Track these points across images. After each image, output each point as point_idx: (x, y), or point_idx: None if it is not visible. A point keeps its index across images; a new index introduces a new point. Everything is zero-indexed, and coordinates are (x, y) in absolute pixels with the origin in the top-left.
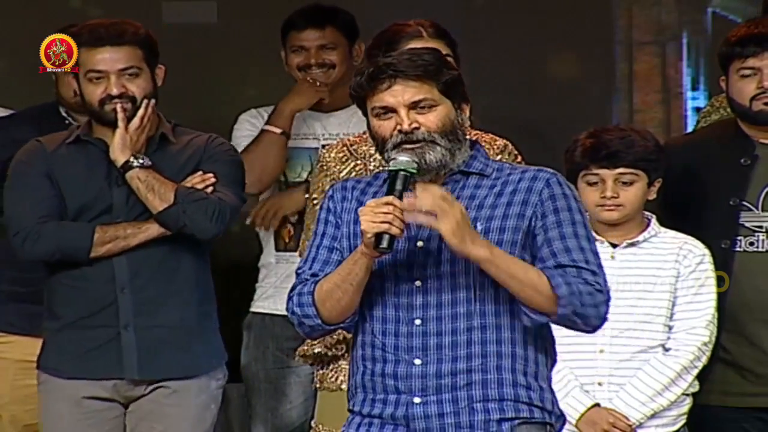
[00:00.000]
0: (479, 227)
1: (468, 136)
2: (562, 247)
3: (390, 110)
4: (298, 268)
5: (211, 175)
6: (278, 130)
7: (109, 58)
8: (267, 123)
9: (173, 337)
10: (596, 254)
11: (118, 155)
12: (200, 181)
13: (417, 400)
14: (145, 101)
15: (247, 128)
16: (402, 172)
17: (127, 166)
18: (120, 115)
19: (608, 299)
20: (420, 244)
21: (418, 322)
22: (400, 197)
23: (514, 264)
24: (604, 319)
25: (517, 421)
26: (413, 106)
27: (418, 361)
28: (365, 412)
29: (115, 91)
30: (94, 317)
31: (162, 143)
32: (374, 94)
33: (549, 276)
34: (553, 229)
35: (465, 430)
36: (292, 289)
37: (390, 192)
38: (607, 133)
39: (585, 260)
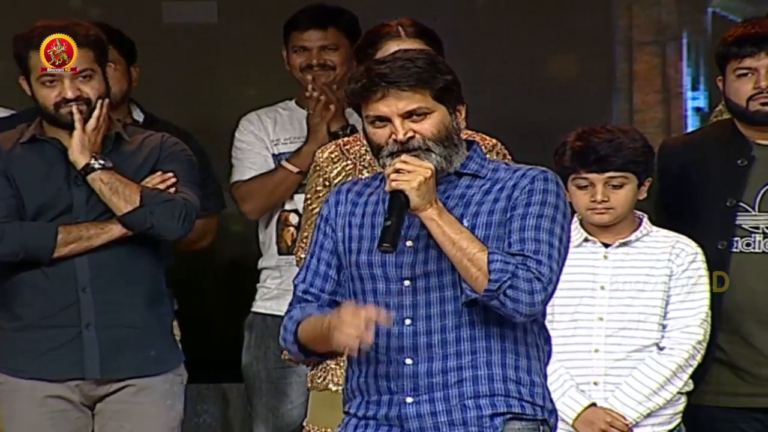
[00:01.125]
0: (466, 223)
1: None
2: (518, 238)
3: (384, 119)
4: (295, 277)
5: (171, 174)
6: (296, 170)
7: None
8: (288, 160)
9: (134, 336)
10: (554, 248)
11: (78, 157)
12: (160, 181)
13: (409, 399)
14: (100, 101)
15: (248, 137)
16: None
17: (88, 168)
18: (77, 117)
19: (548, 291)
20: (409, 243)
21: (408, 321)
22: (400, 218)
23: (460, 233)
24: (537, 308)
25: (508, 416)
26: (407, 115)
27: (409, 361)
28: (360, 414)
29: (70, 95)
30: (55, 317)
31: (117, 143)
32: (368, 103)
33: (490, 253)
34: (517, 221)
35: (458, 428)
36: (289, 305)
37: (389, 213)
38: (595, 135)
39: (535, 250)
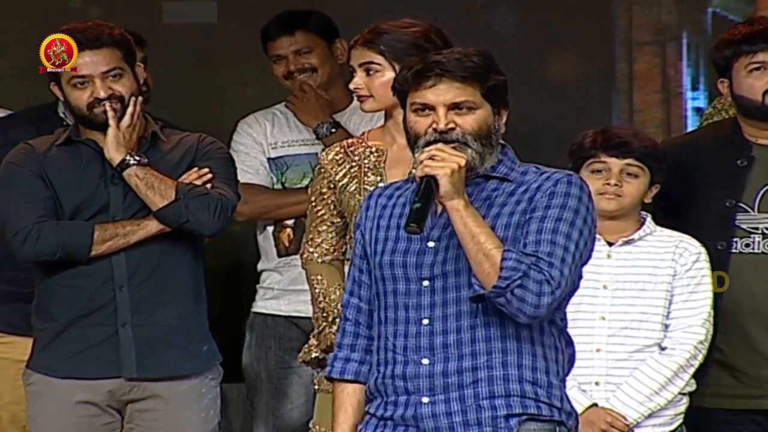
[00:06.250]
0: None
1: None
2: (534, 239)
3: (429, 108)
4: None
5: (206, 170)
6: None
7: (90, 62)
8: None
9: (171, 335)
10: (568, 252)
11: (114, 154)
12: (197, 177)
13: (425, 399)
14: (133, 99)
15: (246, 140)
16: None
17: (124, 164)
18: (110, 114)
19: (555, 295)
20: (431, 244)
21: (425, 321)
22: (429, 202)
23: (480, 227)
24: (542, 311)
25: (524, 417)
26: (453, 106)
27: (425, 361)
28: (379, 415)
29: (102, 94)
30: (91, 316)
31: (153, 142)
32: (417, 89)
33: (505, 251)
34: (536, 222)
35: (473, 428)
36: (342, 319)
37: (418, 196)
38: (616, 127)
39: (549, 253)
